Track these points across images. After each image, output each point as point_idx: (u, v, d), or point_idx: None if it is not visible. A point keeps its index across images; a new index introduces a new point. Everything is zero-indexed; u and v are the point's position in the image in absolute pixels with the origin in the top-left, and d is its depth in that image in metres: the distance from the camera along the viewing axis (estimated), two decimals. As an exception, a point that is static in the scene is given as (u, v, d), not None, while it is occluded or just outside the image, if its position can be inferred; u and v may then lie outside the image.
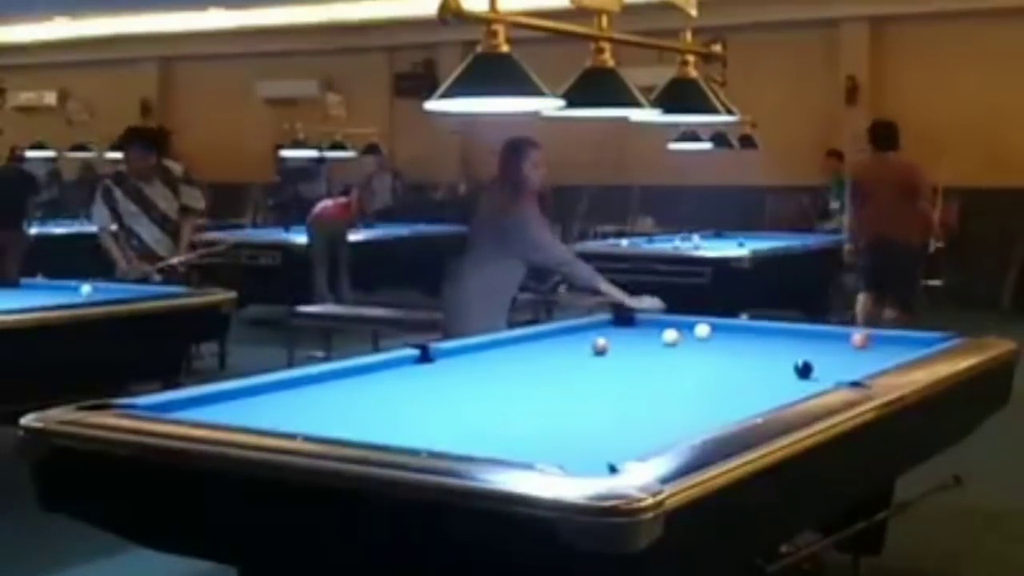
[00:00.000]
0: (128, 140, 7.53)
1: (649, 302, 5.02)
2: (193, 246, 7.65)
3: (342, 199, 11.18)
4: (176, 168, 7.47)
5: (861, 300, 8.63)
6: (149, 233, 7.19)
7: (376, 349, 6.70)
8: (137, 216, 7.17)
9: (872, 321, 8.04)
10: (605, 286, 5.14)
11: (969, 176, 12.05)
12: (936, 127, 12.22)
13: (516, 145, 5.25)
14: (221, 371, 7.58)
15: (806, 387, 3.41)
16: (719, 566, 2.69)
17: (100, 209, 7.26)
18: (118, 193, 7.20)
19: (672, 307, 5.12)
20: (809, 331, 4.88)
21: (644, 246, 9.86)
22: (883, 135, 8.65)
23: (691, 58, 4.52)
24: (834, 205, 11.39)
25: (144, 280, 6.99)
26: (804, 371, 3.63)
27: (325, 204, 11.11)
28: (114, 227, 7.21)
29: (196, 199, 7.46)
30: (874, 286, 8.59)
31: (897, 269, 8.46)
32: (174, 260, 7.20)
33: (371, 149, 13.38)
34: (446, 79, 3.61)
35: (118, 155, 13.20)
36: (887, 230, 8.35)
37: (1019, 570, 4.73)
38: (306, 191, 14.15)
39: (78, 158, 15.36)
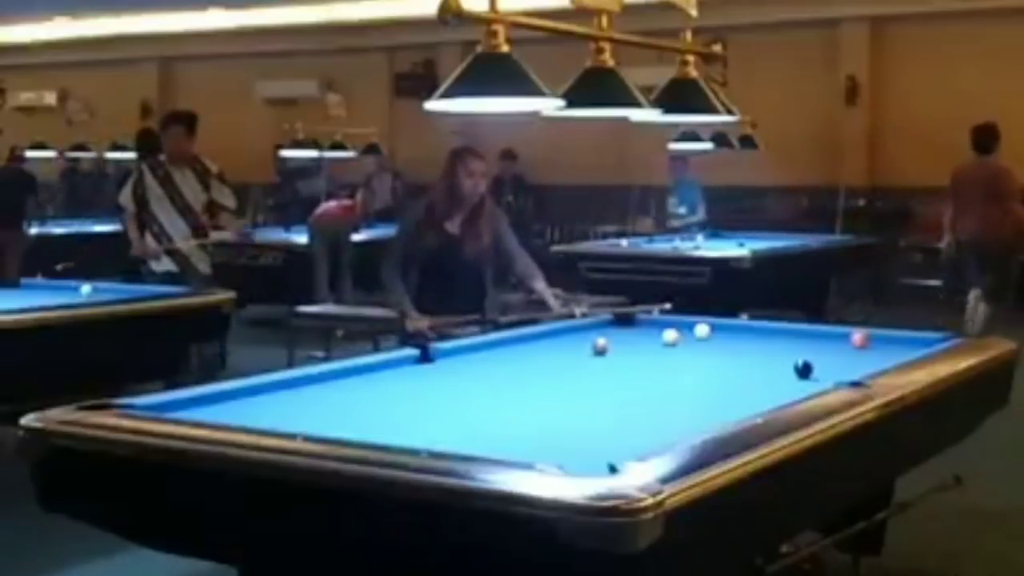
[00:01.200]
0: (170, 122, 7.57)
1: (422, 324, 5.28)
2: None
3: (345, 200, 11.16)
4: (212, 166, 7.50)
5: (972, 300, 8.95)
6: (169, 220, 7.24)
7: (376, 349, 6.69)
8: (161, 200, 7.25)
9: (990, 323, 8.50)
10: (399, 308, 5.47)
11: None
12: (936, 127, 12.22)
13: (457, 151, 5.59)
14: (221, 371, 7.57)
15: (806, 387, 3.42)
16: (719, 566, 2.69)
17: (127, 193, 7.39)
18: (149, 179, 7.28)
19: (672, 307, 5.12)
20: (809, 331, 4.88)
21: (644, 246, 9.86)
22: (981, 139, 9.13)
23: (691, 58, 4.52)
24: (680, 210, 11.04)
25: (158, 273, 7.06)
26: (804, 371, 3.63)
27: (328, 205, 11.09)
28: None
29: (227, 196, 7.53)
30: (965, 283, 9.14)
31: (988, 266, 8.93)
32: (180, 245, 7.23)
33: (371, 149, 13.36)
34: (446, 79, 3.61)
35: (118, 155, 13.35)
36: (974, 229, 8.88)
37: (1019, 570, 4.73)
38: (306, 191, 14.14)
39: (84, 157, 15.41)
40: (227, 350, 7.75)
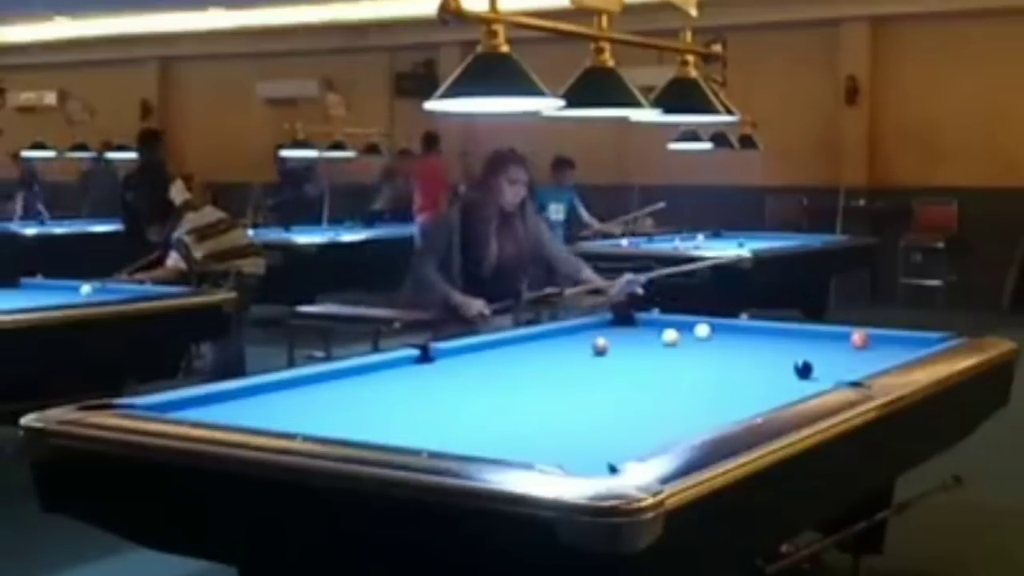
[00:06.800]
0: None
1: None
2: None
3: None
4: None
5: None
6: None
7: (376, 349, 6.69)
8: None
9: None
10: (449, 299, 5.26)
11: (968, 176, 12.06)
12: (936, 127, 12.24)
13: (499, 156, 5.30)
14: (241, 372, 7.55)
15: (806, 387, 3.41)
16: (719, 566, 2.69)
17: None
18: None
19: (672, 307, 5.12)
20: (809, 331, 4.88)
21: (644, 246, 9.85)
22: None
23: (691, 58, 4.52)
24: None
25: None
26: (804, 371, 3.63)
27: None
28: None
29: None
30: None
31: None
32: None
33: (371, 149, 13.37)
34: (446, 79, 3.62)
35: (118, 156, 13.34)
36: None
37: (1019, 570, 4.73)
38: (313, 192, 14.14)
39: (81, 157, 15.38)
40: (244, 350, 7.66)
